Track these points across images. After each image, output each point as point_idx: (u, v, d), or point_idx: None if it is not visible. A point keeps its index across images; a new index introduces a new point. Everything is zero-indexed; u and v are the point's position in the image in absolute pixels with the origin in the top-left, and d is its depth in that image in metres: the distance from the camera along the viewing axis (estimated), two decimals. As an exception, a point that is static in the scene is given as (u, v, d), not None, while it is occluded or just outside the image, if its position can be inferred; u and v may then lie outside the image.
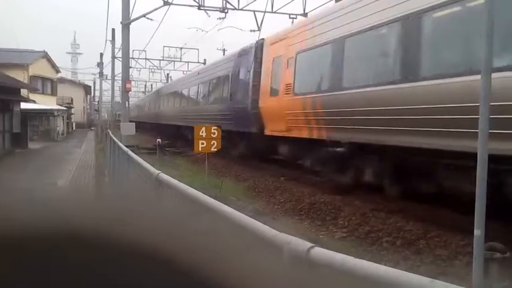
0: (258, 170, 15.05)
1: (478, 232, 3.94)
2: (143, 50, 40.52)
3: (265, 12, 22.85)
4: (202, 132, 11.84)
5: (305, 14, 21.97)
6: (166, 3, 20.64)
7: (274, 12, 23.22)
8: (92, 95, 70.78)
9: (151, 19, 21.77)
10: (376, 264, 1.50)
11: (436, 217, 7.75)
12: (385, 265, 1.57)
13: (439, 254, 6.26)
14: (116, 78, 37.86)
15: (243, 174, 15.06)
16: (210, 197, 2.76)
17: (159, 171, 3.88)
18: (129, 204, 0.60)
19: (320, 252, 1.61)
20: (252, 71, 14.95)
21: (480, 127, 4.10)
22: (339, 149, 10.28)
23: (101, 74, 49.85)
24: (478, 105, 4.05)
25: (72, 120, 51.90)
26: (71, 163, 18.41)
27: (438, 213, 7.89)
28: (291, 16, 23.26)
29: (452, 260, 5.93)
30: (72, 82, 60.58)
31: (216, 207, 2.41)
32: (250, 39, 18.10)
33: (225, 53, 33.64)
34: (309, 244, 1.66)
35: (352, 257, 1.54)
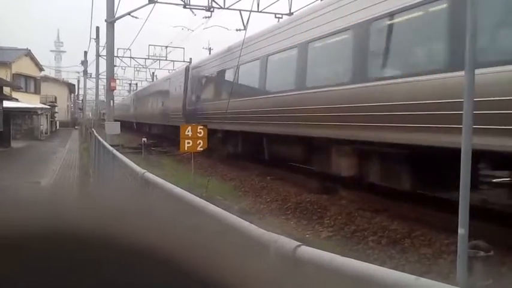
0: (244, 170, 15.05)
1: (462, 231, 3.98)
2: (128, 49, 40.17)
3: (251, 11, 22.84)
4: (188, 131, 11.76)
5: (290, 14, 22.02)
6: (151, 2, 20.49)
7: (260, 11, 23.22)
8: (76, 93, 70.01)
9: (136, 17, 21.58)
10: (363, 262, 1.50)
11: (421, 216, 7.83)
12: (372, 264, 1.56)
13: (423, 252, 6.32)
14: (100, 76, 37.50)
15: (229, 173, 15.03)
16: (196, 196, 2.74)
17: (145, 171, 3.84)
18: (115, 204, 0.59)
19: (307, 251, 1.60)
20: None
21: (464, 123, 4.15)
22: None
23: (85, 72, 49.27)
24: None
25: (56, 118, 51.26)
26: (54, 162, 18.17)
27: (423, 212, 7.98)
28: (277, 16, 23.32)
29: (437, 258, 5.99)
30: (55, 80, 59.86)
31: (201, 206, 2.39)
32: (237, 38, 18.86)
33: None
34: (296, 243, 1.65)
35: (339, 256, 1.54)
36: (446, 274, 4.84)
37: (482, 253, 4.30)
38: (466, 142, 4.15)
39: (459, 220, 3.97)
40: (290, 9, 23.00)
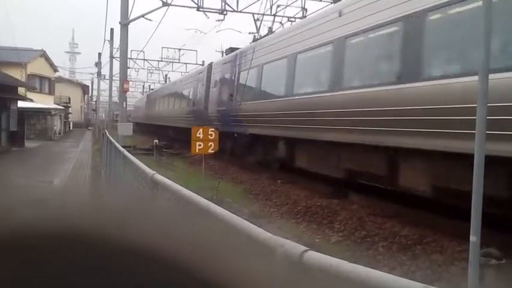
0: (255, 173, 15.03)
1: (473, 238, 3.92)
2: (141, 51, 40.52)
3: (263, 14, 22.86)
4: (199, 133, 11.81)
5: (304, 17, 21.99)
6: (165, 4, 20.64)
7: (273, 15, 23.22)
8: (90, 94, 70.68)
9: (150, 19, 21.76)
10: (371, 269, 1.48)
11: (433, 222, 7.74)
12: (381, 270, 1.55)
13: (434, 259, 6.25)
14: (114, 78, 37.80)
15: (240, 176, 15.03)
16: (206, 199, 2.73)
17: (154, 172, 3.85)
18: (125, 204, 0.60)
19: (314, 256, 1.59)
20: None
21: (477, 130, 4.09)
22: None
23: (99, 73, 49.76)
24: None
25: (70, 119, 51.79)
26: (67, 162, 18.35)
27: (434, 218, 7.89)
28: (290, 19, 23.31)
29: (448, 265, 5.91)
30: (70, 81, 60.49)
31: (209, 209, 2.38)
32: (249, 41, 18.88)
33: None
34: (303, 248, 1.64)
35: (347, 262, 1.52)
36: (458, 282, 4.77)
37: (494, 261, 4.23)
38: (479, 148, 4.09)
39: (471, 227, 3.91)
40: (303, 13, 22.99)
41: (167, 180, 3.40)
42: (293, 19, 23.21)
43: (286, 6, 23.23)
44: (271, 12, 23.00)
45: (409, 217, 8.34)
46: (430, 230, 7.47)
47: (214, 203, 2.59)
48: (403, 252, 6.70)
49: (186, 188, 3.08)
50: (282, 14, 23.28)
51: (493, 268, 4.26)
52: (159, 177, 3.58)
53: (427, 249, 6.75)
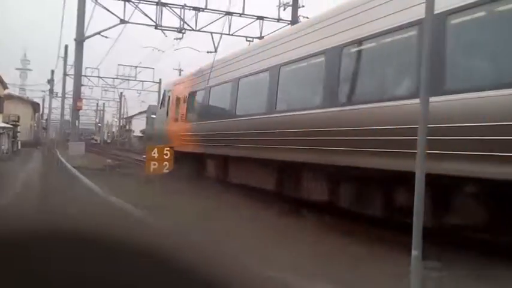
0: (212, 192, 14.89)
1: (415, 252, 4.10)
2: (96, 68, 39.82)
3: (222, 34, 23.08)
4: (154, 153, 11.69)
5: (261, 37, 22.34)
6: (122, 22, 20.50)
7: (232, 34, 23.47)
8: (41, 112, 68.33)
9: (106, 37, 21.51)
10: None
11: (378, 237, 7.94)
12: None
13: (379, 273, 6.40)
14: (66, 96, 36.84)
15: (194, 195, 14.83)
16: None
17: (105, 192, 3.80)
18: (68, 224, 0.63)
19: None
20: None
21: (418, 151, 4.32)
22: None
23: (51, 91, 48.37)
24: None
25: (18, 138, 49.74)
26: (14, 182, 17.57)
27: (379, 233, 8.10)
28: (248, 39, 23.62)
29: (392, 279, 6.08)
30: (20, 99, 58.33)
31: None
32: (208, 60, 18.83)
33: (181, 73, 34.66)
34: None
35: None
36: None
37: (435, 273, 4.43)
38: (420, 168, 4.30)
39: (413, 242, 4.09)
40: (261, 33, 23.39)
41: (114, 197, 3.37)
42: (251, 39, 23.54)
43: (244, 27, 23.59)
44: (229, 31, 23.26)
45: (356, 232, 8.53)
46: (376, 244, 7.66)
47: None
48: (354, 268, 6.83)
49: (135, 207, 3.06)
50: (240, 34, 23.58)
51: (435, 280, 4.44)
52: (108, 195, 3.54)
53: (373, 264, 6.91)
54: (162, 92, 22.69)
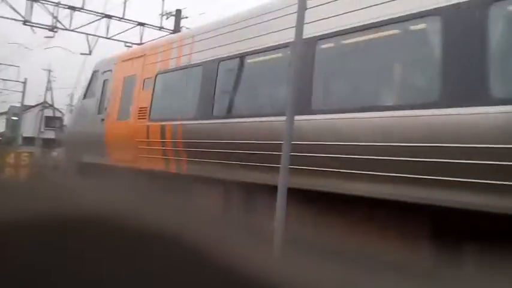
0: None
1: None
2: None
3: (98, 36, 22.03)
4: (10, 158, 10.57)
5: (141, 43, 21.81)
6: (-16, 14, 18.44)
7: (109, 38, 22.54)
8: None
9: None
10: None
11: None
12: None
13: None
14: None
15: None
16: None
17: None
18: None
19: None
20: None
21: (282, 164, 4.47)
22: None
23: None
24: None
25: None
26: None
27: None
28: (127, 44, 22.88)
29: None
30: None
31: None
32: (81, 61, 17.73)
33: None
34: None
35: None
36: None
37: None
38: (282, 182, 4.47)
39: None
40: (141, 39, 22.78)
41: None
42: (130, 44, 22.86)
43: (124, 31, 22.84)
44: (107, 34, 22.29)
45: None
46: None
47: None
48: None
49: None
50: (118, 39, 22.73)
51: None
52: None
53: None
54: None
